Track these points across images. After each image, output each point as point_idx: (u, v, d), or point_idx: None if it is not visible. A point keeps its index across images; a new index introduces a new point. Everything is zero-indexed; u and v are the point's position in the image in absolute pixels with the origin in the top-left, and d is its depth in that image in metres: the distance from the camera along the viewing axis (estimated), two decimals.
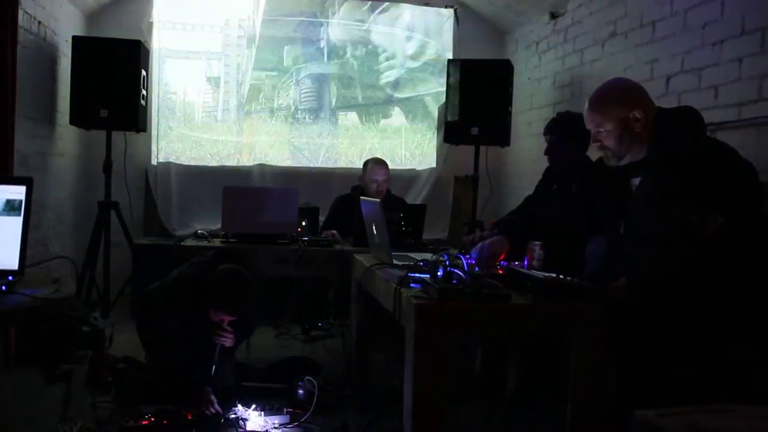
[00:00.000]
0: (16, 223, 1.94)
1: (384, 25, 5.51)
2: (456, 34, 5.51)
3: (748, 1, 2.81)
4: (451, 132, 4.68)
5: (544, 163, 3.54)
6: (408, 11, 5.52)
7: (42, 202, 4.07)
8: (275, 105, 5.41)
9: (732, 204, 1.97)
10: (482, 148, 4.76)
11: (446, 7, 5.51)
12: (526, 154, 4.97)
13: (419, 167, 5.56)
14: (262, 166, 5.24)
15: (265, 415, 2.60)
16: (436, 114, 5.55)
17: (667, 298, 1.99)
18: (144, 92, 4.31)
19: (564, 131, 3.30)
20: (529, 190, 3.61)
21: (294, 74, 5.43)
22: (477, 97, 4.55)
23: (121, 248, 4.48)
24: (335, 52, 5.48)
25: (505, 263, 2.41)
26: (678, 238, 2.00)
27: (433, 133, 5.58)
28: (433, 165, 5.56)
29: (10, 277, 1.86)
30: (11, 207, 1.94)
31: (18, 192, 1.96)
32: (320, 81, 5.49)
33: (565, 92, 4.49)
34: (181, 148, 5.24)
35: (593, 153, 2.56)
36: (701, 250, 1.96)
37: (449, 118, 4.67)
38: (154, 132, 5.07)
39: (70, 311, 3.41)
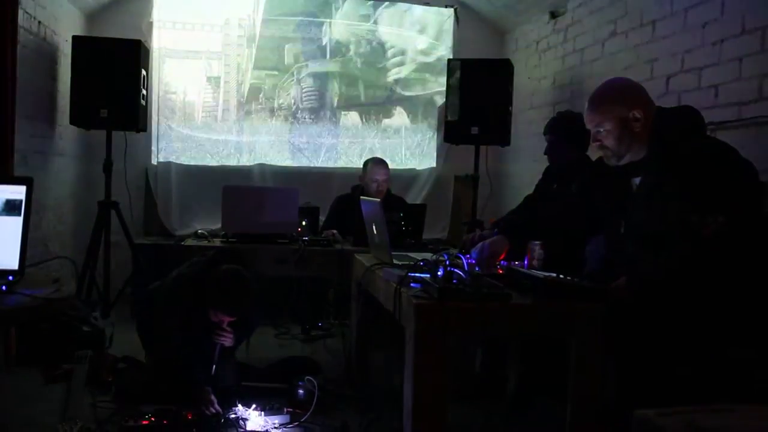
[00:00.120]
0: (16, 223, 1.94)
1: (384, 24, 5.51)
2: (456, 34, 5.51)
3: (748, 0, 2.81)
4: (451, 132, 4.68)
5: (544, 163, 3.54)
6: (408, 11, 5.52)
7: (42, 202, 4.07)
8: (276, 104, 5.41)
9: (732, 204, 1.97)
10: (482, 148, 4.76)
11: (446, 7, 5.50)
12: (526, 153, 4.97)
13: (419, 167, 5.56)
14: (262, 166, 5.24)
15: (265, 415, 2.60)
16: (436, 114, 5.54)
17: (667, 298, 1.99)
18: (144, 92, 4.31)
19: (564, 131, 3.30)
20: (529, 190, 3.61)
21: (295, 73, 5.42)
22: (477, 97, 4.55)
23: (121, 248, 4.48)
24: (338, 50, 5.46)
25: (505, 263, 2.41)
26: (678, 237, 2.00)
27: (433, 133, 5.58)
28: (433, 165, 5.55)
29: (10, 277, 1.86)
30: (11, 207, 1.94)
31: (18, 192, 1.96)
32: (322, 80, 5.49)
33: (565, 92, 4.49)
34: (181, 148, 5.24)
35: (593, 153, 2.56)
36: (701, 250, 1.96)
37: (449, 118, 4.67)
38: (154, 132, 5.07)
39: (70, 311, 3.41)
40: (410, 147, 5.61)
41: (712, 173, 2.00)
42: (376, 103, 5.56)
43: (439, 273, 2.05)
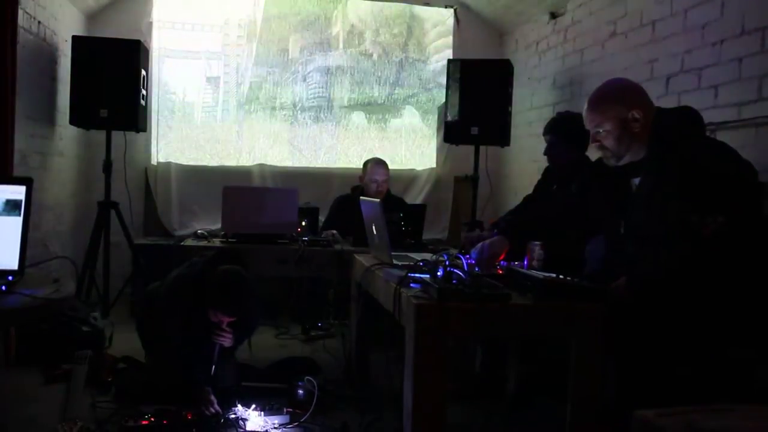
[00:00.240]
0: (16, 223, 1.94)
1: (384, 25, 5.51)
2: (456, 34, 5.51)
3: (748, 1, 2.81)
4: (451, 132, 4.68)
5: (544, 163, 3.54)
6: (407, 11, 5.52)
7: (42, 202, 4.07)
8: (277, 103, 5.40)
9: (732, 204, 1.97)
10: (482, 148, 4.76)
11: (446, 7, 5.51)
12: (526, 154, 4.97)
13: (419, 167, 5.56)
14: (262, 166, 5.24)
15: (265, 415, 2.60)
16: (436, 114, 5.55)
17: (667, 298, 1.99)
18: (144, 92, 4.31)
19: (563, 131, 3.30)
20: (529, 190, 3.61)
21: (300, 68, 5.41)
22: (477, 97, 4.54)
23: (121, 248, 4.48)
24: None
25: (505, 263, 2.41)
26: (678, 237, 2.00)
27: (433, 133, 5.58)
28: (433, 165, 5.55)
29: (10, 277, 1.86)
30: (11, 207, 1.94)
31: (18, 192, 1.96)
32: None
33: (565, 92, 4.49)
34: (181, 148, 5.24)
35: (593, 153, 2.56)
36: (701, 250, 1.96)
37: (449, 118, 4.67)
38: (154, 132, 5.07)
39: (70, 311, 3.41)
40: (410, 147, 5.61)
41: (712, 173, 2.00)
42: (376, 103, 5.55)
43: (438, 273, 2.05)
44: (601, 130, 2.21)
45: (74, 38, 4.17)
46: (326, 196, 4.61)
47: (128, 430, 2.47)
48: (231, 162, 5.30)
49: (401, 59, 5.54)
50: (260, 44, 5.31)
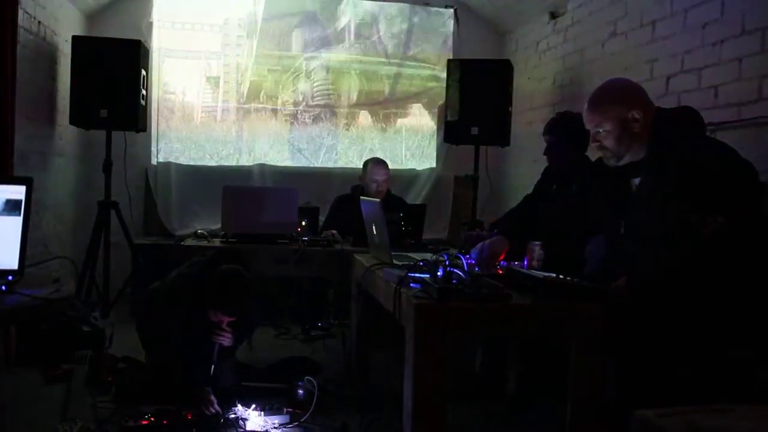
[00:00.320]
0: (16, 223, 1.94)
1: (384, 25, 5.51)
2: (456, 34, 5.51)
3: (748, 1, 2.81)
4: (451, 132, 4.68)
5: (544, 163, 3.54)
6: (408, 10, 5.52)
7: (42, 202, 4.07)
8: (278, 103, 5.39)
9: (732, 204, 1.97)
10: (482, 148, 4.76)
11: (446, 7, 5.51)
12: (526, 154, 4.96)
13: (419, 167, 5.56)
14: (262, 166, 5.24)
15: (265, 415, 2.60)
16: (435, 114, 5.54)
17: (667, 298, 1.99)
18: (144, 92, 4.31)
19: (563, 131, 3.29)
20: (529, 190, 3.61)
21: (301, 67, 5.40)
22: (477, 97, 4.54)
23: (121, 248, 4.48)
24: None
25: (505, 263, 2.41)
26: (678, 238, 2.00)
27: (433, 133, 5.58)
28: (433, 165, 5.56)
29: (10, 277, 1.86)
30: (11, 207, 1.94)
31: (18, 192, 1.96)
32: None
33: (565, 92, 4.49)
34: (180, 148, 5.24)
35: (593, 153, 2.56)
36: (701, 250, 1.96)
37: (449, 118, 4.67)
38: (153, 132, 5.07)
39: (70, 311, 3.41)
40: (410, 147, 5.61)
41: (712, 174, 2.00)
42: (377, 102, 5.54)
43: (438, 273, 2.05)
44: (601, 130, 2.21)
45: (74, 38, 4.17)
46: (326, 196, 4.61)
47: (128, 430, 2.47)
48: (231, 162, 5.30)
49: (401, 59, 5.53)
50: (261, 43, 5.31)
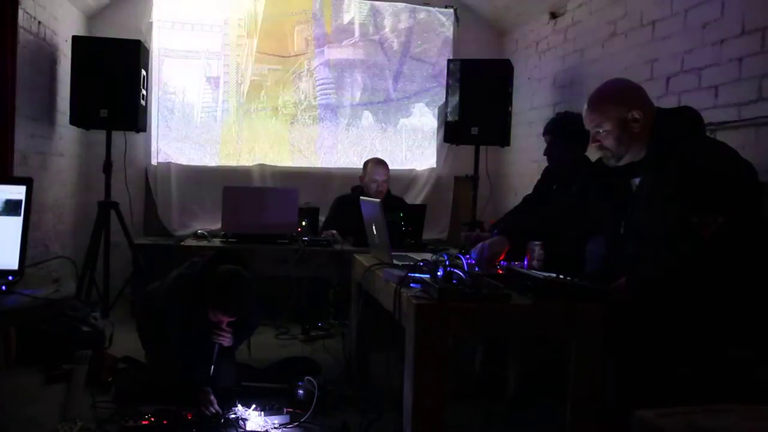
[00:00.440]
0: (16, 223, 1.94)
1: (384, 25, 5.51)
2: (456, 34, 5.51)
3: (748, 1, 2.81)
4: (451, 132, 4.68)
5: (544, 163, 3.55)
6: (407, 10, 5.52)
7: (42, 202, 4.07)
8: (278, 102, 5.39)
9: (731, 204, 1.97)
10: (482, 148, 4.76)
11: (446, 7, 5.51)
12: (526, 154, 4.97)
13: (419, 167, 5.56)
14: (262, 166, 5.24)
15: (265, 415, 2.60)
16: (435, 114, 5.55)
17: (667, 298, 1.99)
18: (144, 92, 4.31)
19: (563, 131, 3.30)
20: (529, 190, 3.61)
21: (301, 67, 5.40)
22: (477, 97, 4.55)
23: (121, 248, 4.48)
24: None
25: (505, 263, 2.41)
26: (678, 238, 2.00)
27: (433, 133, 5.58)
28: (433, 165, 5.55)
29: (10, 277, 1.86)
30: (11, 207, 1.94)
31: (18, 192, 1.96)
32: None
33: (565, 92, 4.49)
34: (181, 148, 5.24)
35: (592, 153, 2.56)
36: (701, 251, 1.96)
37: (449, 118, 4.67)
38: (154, 132, 5.07)
39: (70, 311, 3.41)
40: (410, 147, 5.61)
41: (712, 174, 2.00)
42: (385, 102, 5.53)
43: (438, 273, 2.05)
44: (600, 130, 2.21)
45: (74, 38, 4.17)
46: (326, 196, 4.61)
47: (128, 430, 2.47)
48: (231, 162, 5.29)
49: (401, 59, 5.53)
50: (261, 42, 5.31)
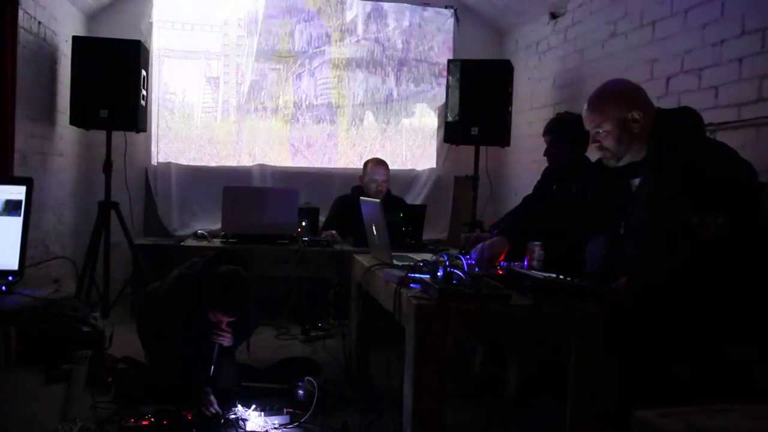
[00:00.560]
0: (16, 223, 1.94)
1: (384, 25, 5.51)
2: (456, 34, 5.51)
3: (748, 1, 2.81)
4: (451, 132, 4.68)
5: (544, 163, 3.54)
6: (407, 11, 5.52)
7: (42, 202, 4.07)
8: (279, 102, 5.39)
9: (731, 205, 1.97)
10: (482, 148, 4.76)
11: (446, 7, 5.51)
12: (526, 154, 4.97)
13: (419, 167, 5.56)
14: (262, 166, 5.24)
15: (265, 416, 2.60)
16: (436, 114, 5.55)
17: (666, 298, 1.99)
18: (144, 92, 4.31)
19: (563, 132, 3.30)
20: (529, 190, 3.61)
21: (300, 67, 5.40)
22: (477, 97, 4.55)
23: (121, 248, 4.48)
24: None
25: (505, 264, 2.41)
26: (678, 238, 2.01)
27: (433, 133, 5.58)
28: (433, 165, 5.55)
29: (10, 277, 1.86)
30: (11, 207, 1.94)
31: (18, 192, 1.96)
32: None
33: (565, 92, 4.49)
34: (180, 148, 5.24)
35: (592, 154, 2.56)
36: (701, 251, 1.96)
37: (449, 118, 4.67)
38: (154, 132, 5.07)
39: (70, 311, 3.41)
40: (410, 147, 5.61)
41: (712, 174, 2.00)
42: (384, 102, 5.52)
43: (438, 274, 2.05)
44: (600, 131, 2.21)
45: (74, 38, 4.17)
46: (326, 196, 4.61)
47: (128, 430, 2.47)
48: (231, 162, 5.29)
49: (401, 59, 5.53)
50: (261, 42, 5.31)
